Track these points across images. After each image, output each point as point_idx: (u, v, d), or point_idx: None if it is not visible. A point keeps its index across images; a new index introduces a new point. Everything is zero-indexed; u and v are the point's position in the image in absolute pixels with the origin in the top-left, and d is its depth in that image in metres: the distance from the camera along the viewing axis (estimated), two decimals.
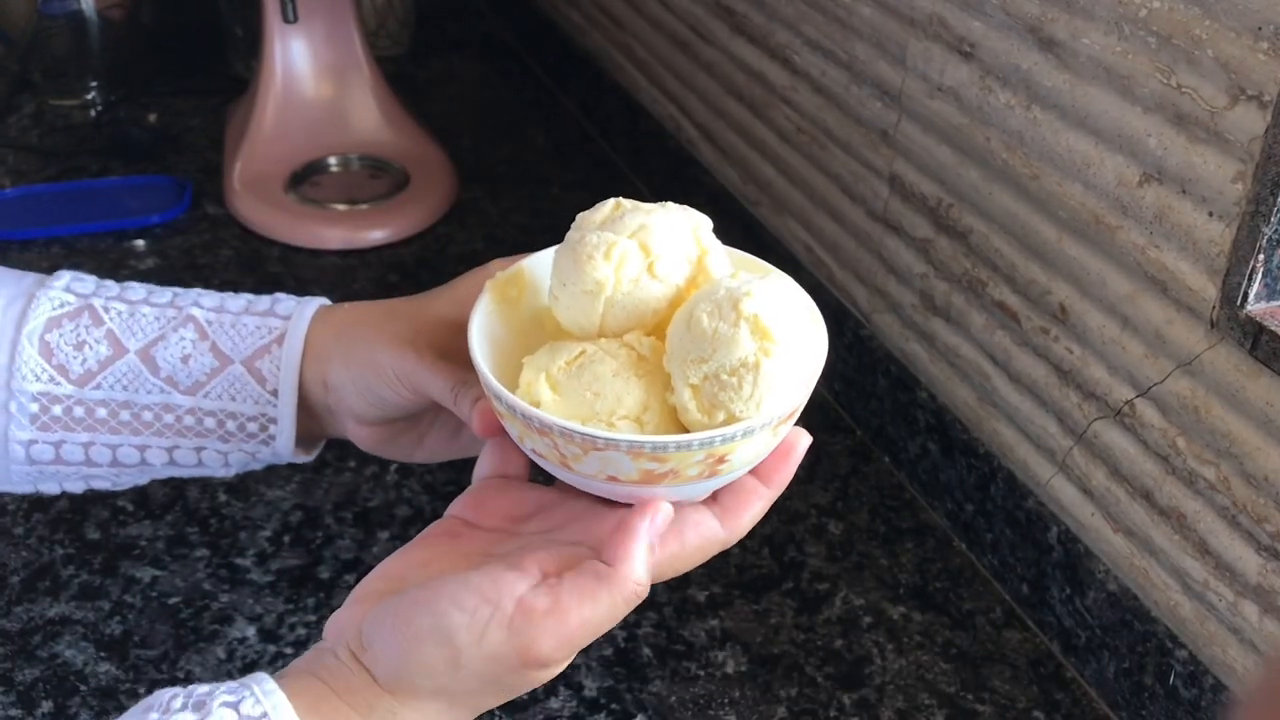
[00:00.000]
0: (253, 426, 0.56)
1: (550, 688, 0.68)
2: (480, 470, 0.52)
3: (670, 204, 0.48)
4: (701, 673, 0.70)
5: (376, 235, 1.09)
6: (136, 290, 0.57)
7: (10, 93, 1.28)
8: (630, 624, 0.72)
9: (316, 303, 0.58)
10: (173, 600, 0.73)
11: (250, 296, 0.58)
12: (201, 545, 0.76)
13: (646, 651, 0.71)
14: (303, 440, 0.58)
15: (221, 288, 1.03)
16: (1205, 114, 0.56)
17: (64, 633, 0.70)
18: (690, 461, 0.44)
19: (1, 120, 1.26)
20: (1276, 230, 0.53)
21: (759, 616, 0.73)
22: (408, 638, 0.44)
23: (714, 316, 0.44)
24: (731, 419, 0.44)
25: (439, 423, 0.58)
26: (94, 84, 1.29)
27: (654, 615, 0.73)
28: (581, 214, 0.48)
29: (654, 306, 0.46)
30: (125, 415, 0.55)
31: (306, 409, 0.57)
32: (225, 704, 0.42)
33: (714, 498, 0.48)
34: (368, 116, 1.18)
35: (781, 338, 0.43)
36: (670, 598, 0.74)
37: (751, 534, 0.78)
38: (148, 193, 1.13)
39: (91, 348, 0.55)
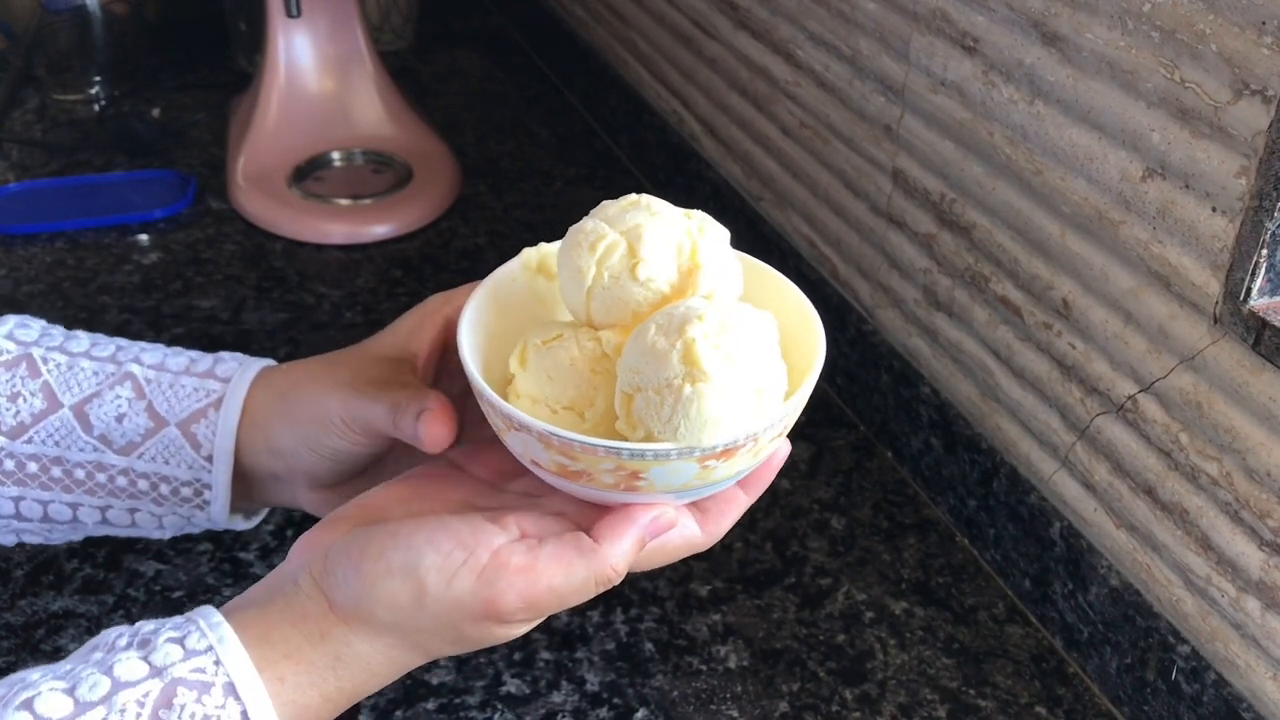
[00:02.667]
0: (186, 491, 0.55)
1: (552, 682, 0.68)
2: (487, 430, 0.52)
3: (696, 212, 0.47)
4: (704, 667, 0.70)
5: (380, 230, 1.09)
6: (80, 341, 0.56)
7: (14, 87, 1.28)
8: (632, 619, 0.72)
9: (259, 365, 0.56)
10: (176, 594, 0.73)
11: (194, 355, 0.56)
12: (205, 539, 0.76)
13: (649, 646, 0.71)
14: (241, 508, 0.57)
15: (225, 282, 1.04)
16: (1209, 109, 0.55)
17: (67, 626, 0.70)
18: (600, 468, 0.43)
19: (5, 115, 1.26)
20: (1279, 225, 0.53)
21: (761, 611, 0.73)
22: (377, 568, 0.43)
23: (660, 331, 0.43)
24: (650, 437, 0.43)
25: (399, 472, 0.56)
26: (98, 79, 1.29)
27: (656, 610, 0.73)
28: (606, 201, 0.48)
29: (633, 308, 0.46)
30: (56, 471, 0.54)
31: (246, 477, 0.55)
32: (170, 639, 0.42)
33: (695, 503, 0.48)
34: (371, 111, 1.18)
35: (713, 370, 0.42)
36: (672, 592, 0.74)
37: (754, 529, 0.79)
38: (151, 187, 1.13)
39: (26, 400, 0.53)
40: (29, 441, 0.53)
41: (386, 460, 0.56)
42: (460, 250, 1.08)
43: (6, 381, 0.54)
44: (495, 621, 0.44)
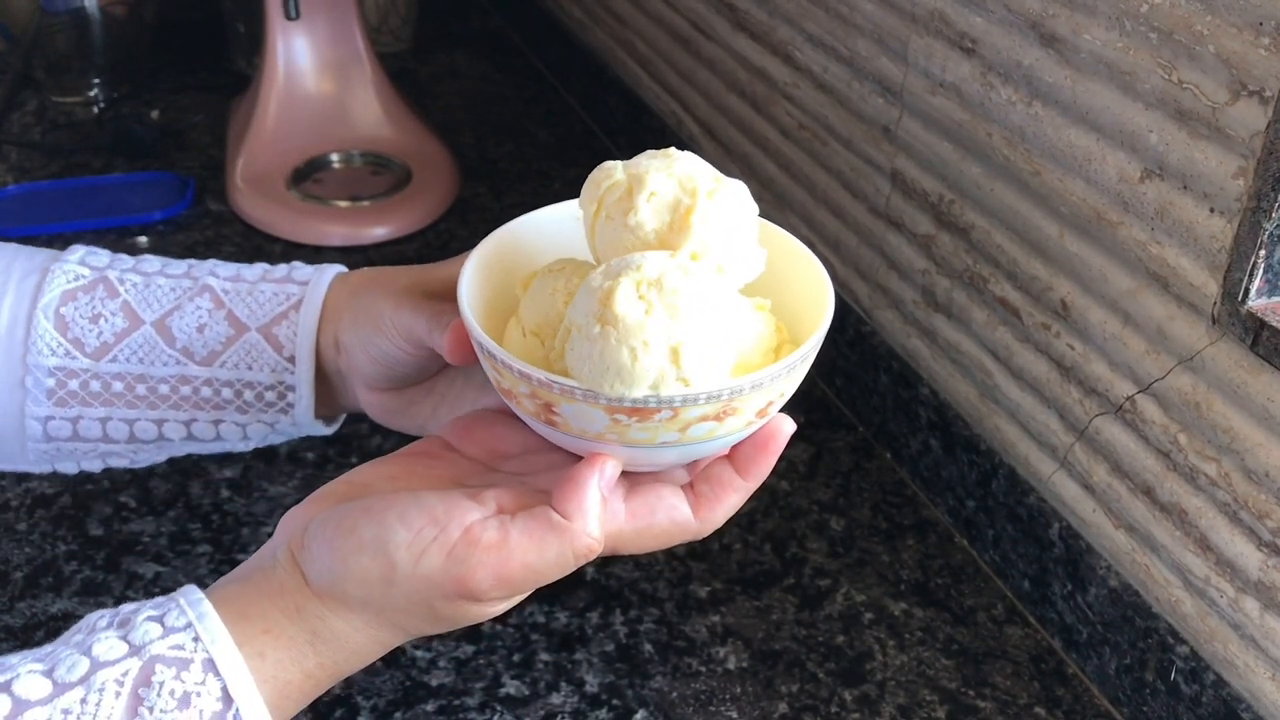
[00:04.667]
0: (270, 395, 0.55)
1: (552, 683, 0.68)
2: (482, 400, 0.52)
3: (732, 181, 0.46)
4: (703, 669, 0.70)
5: (379, 232, 1.09)
6: (152, 262, 0.56)
7: (13, 90, 1.28)
8: (631, 620, 0.72)
9: (335, 269, 0.57)
10: None
11: (266, 266, 0.57)
12: (204, 541, 0.76)
13: (648, 647, 0.71)
14: (322, 412, 0.57)
15: None
16: (1206, 110, 0.55)
17: (67, 628, 0.70)
18: (519, 390, 0.43)
19: (4, 117, 1.26)
20: (1278, 226, 0.53)
21: (760, 612, 0.73)
22: (349, 545, 0.43)
23: (604, 273, 0.43)
24: (564, 372, 0.43)
25: (453, 393, 0.57)
26: (96, 81, 1.29)
27: (655, 611, 0.73)
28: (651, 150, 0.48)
29: (622, 251, 0.45)
30: (141, 389, 0.54)
31: (322, 376, 0.56)
32: (150, 618, 0.42)
33: (690, 485, 0.47)
34: (370, 113, 1.18)
35: (624, 316, 0.41)
36: (671, 594, 0.74)
37: (753, 530, 0.79)
38: (150, 189, 1.13)
39: (107, 320, 0.54)
40: (113, 360, 0.54)
41: (439, 381, 0.56)
42: (459, 252, 1.07)
43: (86, 304, 0.54)
44: (469, 600, 0.43)
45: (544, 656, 0.70)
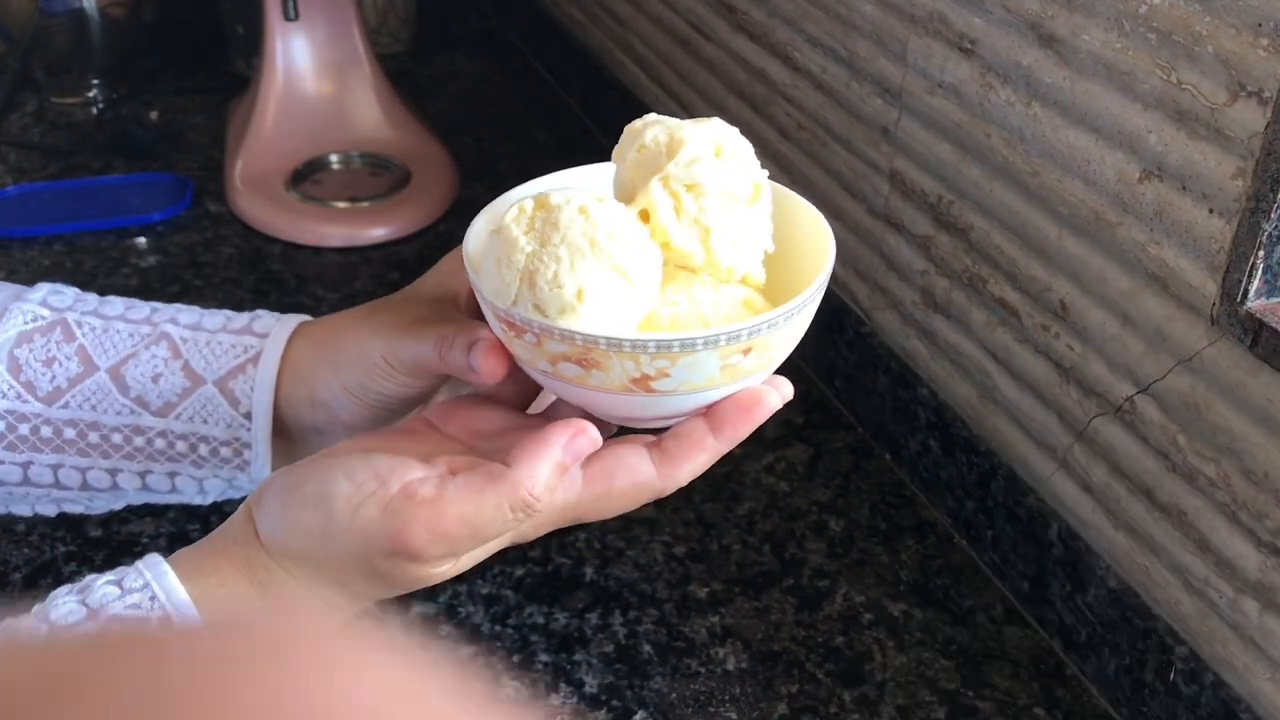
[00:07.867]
0: (226, 451, 0.54)
1: (551, 684, 0.68)
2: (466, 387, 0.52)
3: (735, 161, 0.46)
4: (702, 669, 0.70)
5: (378, 233, 1.09)
6: (114, 305, 0.55)
7: (12, 90, 1.28)
8: (631, 620, 0.72)
9: (296, 320, 0.55)
10: None
11: (229, 314, 0.55)
12: None
13: (647, 648, 0.71)
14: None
15: (223, 285, 1.04)
16: (1205, 110, 0.56)
17: None
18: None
19: (3, 118, 1.26)
20: (1277, 227, 0.53)
21: (760, 613, 0.73)
22: (294, 497, 0.43)
23: (534, 194, 0.44)
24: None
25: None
26: (95, 82, 1.29)
27: (654, 612, 0.73)
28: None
29: (616, 188, 0.48)
30: (94, 437, 0.53)
31: (288, 434, 0.55)
32: (108, 582, 0.43)
33: (657, 443, 0.45)
34: (369, 114, 1.18)
35: (503, 230, 0.43)
36: (671, 594, 0.74)
37: (752, 530, 0.79)
38: (149, 190, 1.13)
39: (61, 364, 0.53)
40: (65, 406, 0.53)
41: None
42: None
43: (42, 346, 0.53)
44: (407, 557, 0.42)
45: (543, 657, 0.70)
